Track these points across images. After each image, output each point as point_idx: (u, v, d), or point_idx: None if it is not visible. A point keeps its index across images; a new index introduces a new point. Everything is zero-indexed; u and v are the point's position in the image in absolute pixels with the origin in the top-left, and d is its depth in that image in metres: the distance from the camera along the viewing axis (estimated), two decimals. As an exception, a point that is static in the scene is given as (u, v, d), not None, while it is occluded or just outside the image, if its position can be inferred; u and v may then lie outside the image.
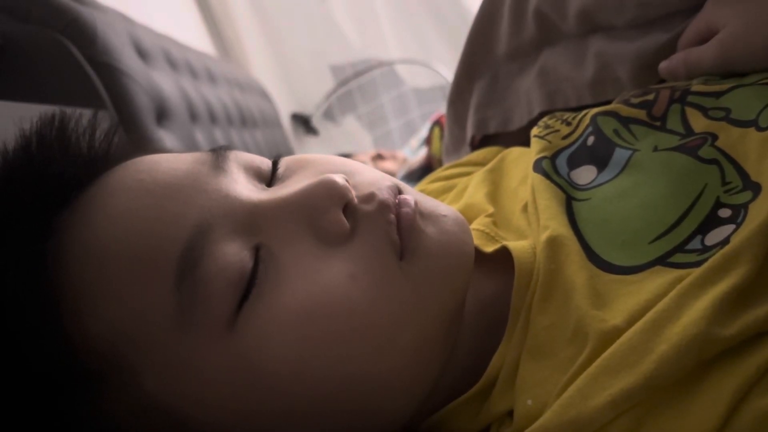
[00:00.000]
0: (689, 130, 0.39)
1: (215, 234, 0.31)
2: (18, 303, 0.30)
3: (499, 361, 0.35)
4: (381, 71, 2.40)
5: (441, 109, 1.71)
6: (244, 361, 0.30)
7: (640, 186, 0.38)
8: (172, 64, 1.15)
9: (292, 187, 0.33)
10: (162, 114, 0.98)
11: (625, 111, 0.43)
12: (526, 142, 0.49)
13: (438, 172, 0.60)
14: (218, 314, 0.30)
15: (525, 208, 0.42)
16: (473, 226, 0.42)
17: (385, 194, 0.33)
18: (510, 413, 0.34)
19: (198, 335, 0.30)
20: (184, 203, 0.31)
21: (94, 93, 0.81)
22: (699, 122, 0.39)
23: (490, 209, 0.45)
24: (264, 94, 1.92)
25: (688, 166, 0.37)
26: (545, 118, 0.49)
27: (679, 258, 0.33)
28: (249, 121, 1.58)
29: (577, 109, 0.49)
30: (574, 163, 0.43)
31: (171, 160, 0.34)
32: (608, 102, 0.48)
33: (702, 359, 0.28)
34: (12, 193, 0.32)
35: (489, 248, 0.39)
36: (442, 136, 0.94)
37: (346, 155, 0.91)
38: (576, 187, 0.41)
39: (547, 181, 0.41)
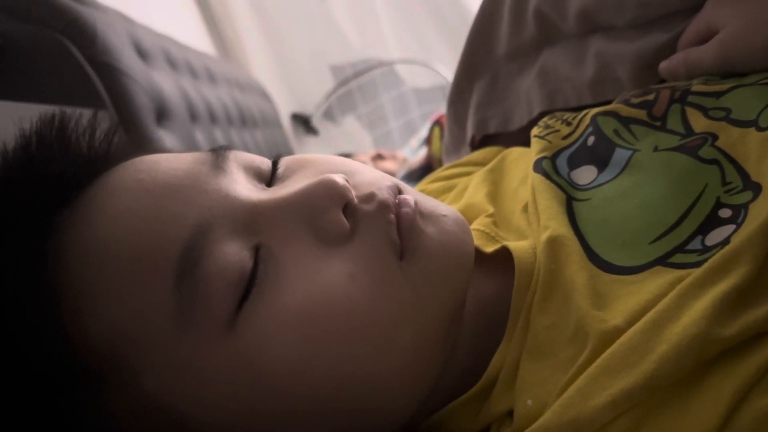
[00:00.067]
0: (689, 130, 0.39)
1: (215, 234, 0.31)
2: (18, 303, 0.30)
3: (500, 361, 0.35)
4: (381, 71, 2.40)
5: (441, 109, 1.71)
6: (243, 361, 0.30)
7: (641, 186, 0.38)
8: (172, 64, 1.15)
9: (292, 187, 0.33)
10: (162, 114, 0.98)
11: (626, 111, 0.43)
12: (526, 142, 0.49)
13: (438, 172, 0.60)
14: (218, 314, 0.30)
15: (525, 208, 0.42)
16: (473, 226, 0.42)
17: (385, 194, 0.33)
18: (510, 413, 0.34)
19: (198, 335, 0.30)
20: (184, 203, 0.31)
21: (94, 93, 0.81)
22: (699, 122, 0.39)
23: (491, 209, 0.45)
24: (264, 94, 1.92)
25: (688, 167, 0.37)
26: (545, 118, 0.49)
27: (679, 258, 0.33)
28: (249, 121, 1.58)
29: (577, 109, 0.49)
30: (574, 163, 0.43)
31: (171, 160, 0.34)
32: (608, 102, 0.48)
33: (702, 359, 0.28)
34: (12, 193, 0.32)
35: (489, 248, 0.39)
36: (442, 136, 0.94)
37: (346, 155, 0.91)
38: (576, 187, 0.41)
39: (548, 181, 0.41)
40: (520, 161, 0.49)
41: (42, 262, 0.30)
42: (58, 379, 0.30)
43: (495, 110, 0.63)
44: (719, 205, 0.34)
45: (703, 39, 0.44)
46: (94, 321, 0.30)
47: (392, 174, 1.09)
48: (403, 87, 2.45)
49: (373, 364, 0.31)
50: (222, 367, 0.30)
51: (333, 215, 0.32)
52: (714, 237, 0.33)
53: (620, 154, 0.41)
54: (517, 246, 0.38)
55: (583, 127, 0.44)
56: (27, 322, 0.30)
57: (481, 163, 0.57)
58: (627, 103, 0.44)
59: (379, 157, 1.88)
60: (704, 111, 0.39)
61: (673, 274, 0.32)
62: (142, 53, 1.00)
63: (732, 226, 0.33)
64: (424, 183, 0.60)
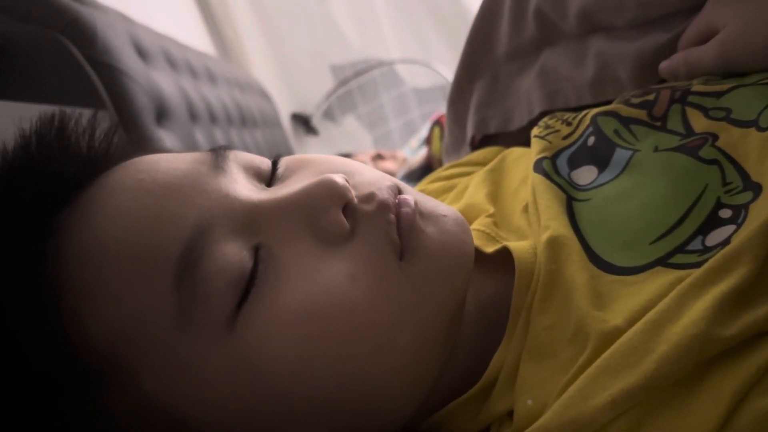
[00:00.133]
0: (690, 131, 0.39)
1: (215, 234, 0.31)
2: (18, 303, 0.30)
3: (500, 362, 0.35)
4: (381, 71, 2.39)
5: (441, 109, 1.71)
6: (243, 361, 0.30)
7: (641, 186, 0.38)
8: (172, 64, 1.15)
9: (291, 187, 0.33)
10: (162, 114, 0.98)
11: (626, 111, 0.43)
12: (526, 142, 0.49)
13: (438, 172, 0.60)
14: (218, 314, 0.30)
15: (525, 208, 0.42)
16: (474, 226, 0.42)
17: (385, 194, 0.33)
18: (510, 413, 0.34)
19: (198, 335, 0.30)
20: (183, 203, 0.31)
21: (94, 93, 0.81)
22: (699, 122, 0.39)
23: (491, 209, 0.45)
24: (264, 94, 1.92)
25: (688, 167, 0.37)
26: (545, 119, 0.49)
27: (679, 259, 0.33)
28: (249, 121, 1.58)
29: (578, 109, 0.49)
30: (574, 163, 0.43)
31: (171, 160, 0.34)
32: (608, 102, 0.48)
33: (702, 359, 0.28)
34: (12, 193, 0.32)
35: (489, 248, 0.39)
36: (442, 136, 0.94)
37: (346, 155, 0.91)
38: (576, 187, 0.41)
39: (548, 182, 0.41)
40: (521, 161, 0.49)
41: (42, 262, 0.30)
42: (58, 379, 0.30)
43: (495, 110, 0.63)
44: (719, 205, 0.34)
45: (704, 39, 0.44)
46: (94, 321, 0.30)
47: (392, 174, 1.09)
48: (403, 87, 2.45)
49: (373, 364, 0.31)
50: (222, 367, 0.30)
51: (333, 215, 0.32)
52: (714, 237, 0.33)
53: (620, 155, 0.41)
54: (518, 246, 0.37)
55: (584, 128, 0.44)
56: (27, 322, 0.30)
57: (481, 163, 0.57)
58: (627, 103, 0.44)
59: (379, 157, 1.88)
60: (704, 111, 0.39)
61: (674, 274, 0.32)
62: (142, 53, 1.00)
63: (732, 227, 0.33)
64: (424, 183, 0.60)
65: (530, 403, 0.32)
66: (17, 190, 0.32)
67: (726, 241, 0.32)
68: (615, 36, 0.53)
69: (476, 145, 0.66)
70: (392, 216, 0.32)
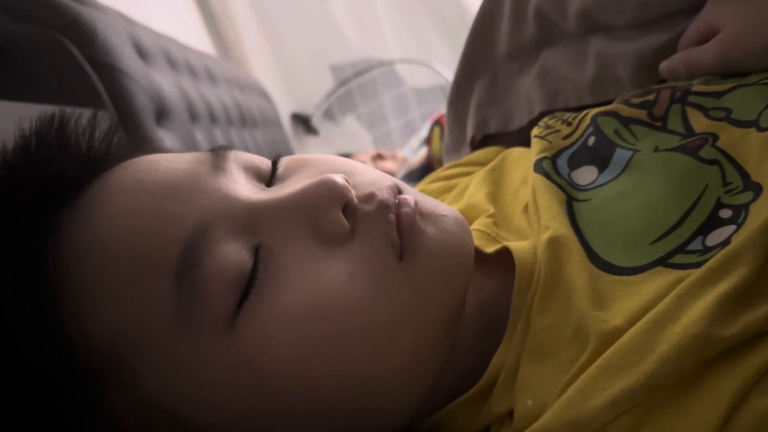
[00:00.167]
0: (690, 131, 0.39)
1: (215, 234, 0.31)
2: (18, 303, 0.30)
3: (500, 362, 0.35)
4: (381, 71, 2.39)
5: (441, 109, 1.71)
6: (243, 361, 0.30)
7: (641, 187, 0.38)
8: (172, 64, 1.15)
9: (291, 187, 0.33)
10: (162, 114, 0.98)
11: (626, 111, 0.43)
12: (526, 142, 0.49)
13: (438, 172, 0.60)
14: (218, 314, 0.30)
15: (526, 208, 0.42)
16: (474, 226, 0.42)
17: (384, 194, 0.33)
18: (510, 413, 0.34)
19: (198, 335, 0.30)
20: (183, 203, 0.31)
21: (94, 93, 0.81)
22: (700, 122, 0.39)
23: (491, 209, 0.45)
24: (264, 94, 1.92)
25: (688, 167, 0.37)
26: (546, 119, 0.49)
27: (680, 259, 0.33)
28: (249, 121, 1.58)
29: (578, 109, 0.49)
30: (574, 163, 0.43)
31: (170, 160, 0.34)
32: (609, 102, 0.48)
33: (702, 359, 0.28)
34: (12, 193, 0.32)
35: (490, 249, 0.39)
36: (442, 136, 0.94)
37: (346, 155, 0.91)
38: (577, 187, 0.41)
39: (548, 182, 0.40)
40: (521, 162, 0.49)
41: (42, 262, 0.30)
42: (58, 379, 0.30)
43: (495, 110, 0.63)
44: (720, 205, 0.34)
45: (704, 39, 0.44)
46: (94, 321, 0.30)
47: (392, 174, 1.09)
48: (403, 87, 2.45)
49: (373, 364, 0.31)
50: (222, 367, 0.30)
51: (333, 215, 0.32)
52: (715, 237, 0.33)
53: (621, 155, 0.41)
54: (518, 246, 0.37)
55: (584, 128, 0.44)
56: (27, 322, 0.30)
57: (481, 163, 0.57)
58: (627, 103, 0.44)
59: (379, 157, 1.88)
60: (705, 111, 0.39)
61: (674, 274, 0.32)
62: (142, 53, 1.00)
63: (733, 227, 0.33)
64: (425, 183, 0.60)
65: (530, 403, 0.32)
66: (17, 190, 0.32)
67: (726, 241, 0.32)
68: (615, 36, 0.53)
69: (476, 145, 0.66)
70: (392, 216, 0.32)
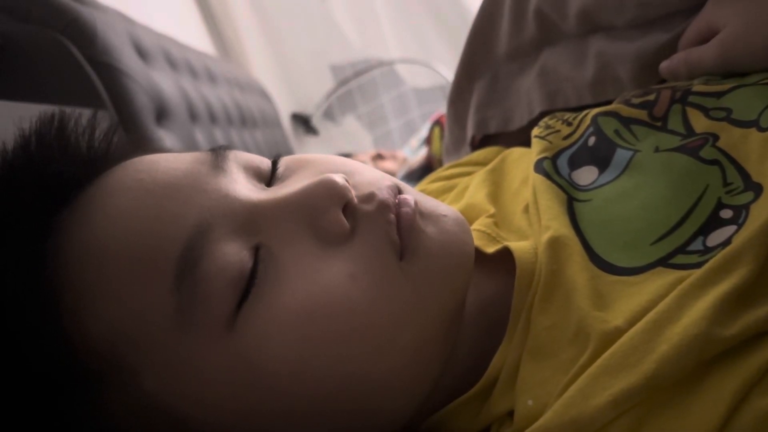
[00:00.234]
0: (690, 131, 0.39)
1: (215, 234, 0.31)
2: (18, 303, 0.30)
3: (500, 362, 0.35)
4: (381, 71, 2.39)
5: (441, 109, 1.71)
6: (243, 360, 0.30)
7: (642, 187, 0.38)
8: (172, 64, 1.15)
9: (291, 186, 0.33)
10: (162, 114, 0.98)
11: (626, 111, 0.43)
12: (526, 142, 0.49)
13: (438, 172, 0.60)
14: (218, 314, 0.30)
15: (526, 208, 0.42)
16: (474, 226, 0.42)
17: (384, 194, 0.33)
18: (510, 413, 0.34)
19: (198, 335, 0.30)
20: (183, 203, 0.31)
21: (94, 93, 0.81)
22: (700, 122, 0.39)
23: (491, 210, 0.44)
24: (264, 94, 1.92)
25: (689, 167, 0.37)
26: (546, 119, 0.49)
27: (680, 259, 0.33)
28: (249, 121, 1.58)
29: (578, 109, 0.49)
30: (575, 163, 0.43)
31: (170, 160, 0.34)
32: (609, 102, 0.48)
33: (703, 359, 0.28)
34: (11, 193, 0.32)
35: (490, 249, 0.39)
36: (442, 136, 0.94)
37: (346, 155, 0.91)
38: (577, 187, 0.41)
39: (549, 182, 0.40)
40: (521, 162, 0.49)
41: (42, 262, 0.30)
42: (58, 379, 0.30)
43: (495, 110, 0.63)
44: (720, 205, 0.34)
45: (704, 39, 0.44)
46: (94, 321, 0.30)
47: (392, 174, 1.09)
48: (403, 87, 2.45)
49: (373, 364, 0.31)
50: (222, 367, 0.30)
51: (333, 215, 0.32)
52: (715, 238, 0.33)
53: (621, 155, 0.41)
54: (519, 246, 0.37)
55: (584, 128, 0.44)
56: (27, 322, 0.30)
57: (481, 163, 0.57)
58: (628, 103, 0.44)
59: (379, 157, 1.88)
60: (705, 111, 0.39)
61: (675, 275, 0.32)
62: (142, 53, 1.00)
63: (733, 227, 0.33)
64: (425, 183, 0.60)
65: (531, 403, 0.32)
66: (17, 190, 0.32)
67: (727, 242, 0.32)
68: (615, 36, 0.53)
69: (476, 145, 0.66)
70: (392, 216, 0.32)
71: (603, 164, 0.41)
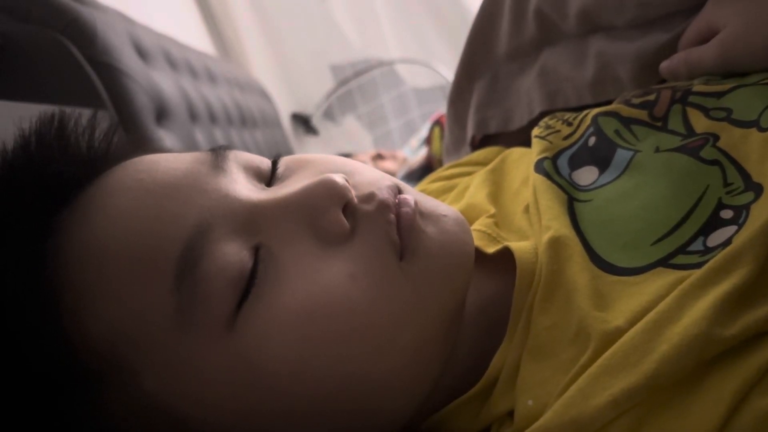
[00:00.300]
0: (690, 131, 0.39)
1: (215, 234, 0.31)
2: (18, 303, 0.30)
3: (500, 362, 0.35)
4: (381, 71, 2.39)
5: (441, 109, 1.71)
6: (243, 360, 0.30)
7: (642, 187, 0.38)
8: (172, 64, 1.15)
9: (291, 186, 0.33)
10: (162, 114, 0.98)
11: (626, 111, 0.43)
12: (526, 142, 0.49)
13: (439, 172, 0.60)
14: (218, 314, 0.30)
15: (527, 209, 0.42)
16: (475, 226, 0.42)
17: (384, 194, 0.33)
18: (511, 413, 0.33)
19: (198, 335, 0.30)
20: (183, 203, 0.31)
21: (94, 93, 0.81)
22: (700, 122, 0.39)
23: (492, 210, 0.44)
24: (264, 94, 1.92)
25: (689, 167, 0.37)
26: (546, 119, 0.49)
27: (681, 259, 0.33)
28: (249, 121, 1.58)
29: (578, 109, 0.49)
30: (575, 163, 0.43)
31: (170, 160, 0.34)
32: (609, 102, 0.48)
33: (703, 359, 0.28)
34: (12, 193, 0.32)
35: (491, 249, 0.39)
36: (442, 136, 0.94)
37: (346, 155, 0.91)
38: (577, 187, 0.41)
39: (549, 182, 0.40)
40: (521, 162, 0.49)
41: (42, 262, 0.30)
42: (58, 379, 0.30)
43: (495, 110, 0.63)
44: (721, 206, 0.34)
45: (704, 39, 0.44)
46: (94, 321, 0.30)
47: (392, 174, 1.09)
48: (403, 87, 2.45)
49: (373, 364, 0.31)
50: (222, 367, 0.30)
51: (333, 215, 0.32)
52: (716, 238, 0.33)
53: (621, 155, 0.41)
54: (519, 246, 0.37)
55: (584, 128, 0.44)
56: (27, 322, 0.30)
57: (481, 163, 0.57)
58: (628, 103, 0.44)
59: (379, 157, 1.88)
60: (705, 111, 0.39)
61: (675, 275, 0.32)
62: (142, 53, 1.00)
63: (734, 227, 0.33)
64: (425, 183, 0.60)
65: (531, 403, 0.32)
66: (17, 190, 0.32)
67: (727, 242, 0.32)
68: (615, 36, 0.53)
69: (476, 145, 0.66)
70: (392, 216, 0.32)
71: (603, 164, 0.41)
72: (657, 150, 0.39)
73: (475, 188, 0.49)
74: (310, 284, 0.30)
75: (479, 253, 0.38)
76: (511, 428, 0.33)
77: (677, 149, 0.38)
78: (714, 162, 0.36)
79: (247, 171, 0.35)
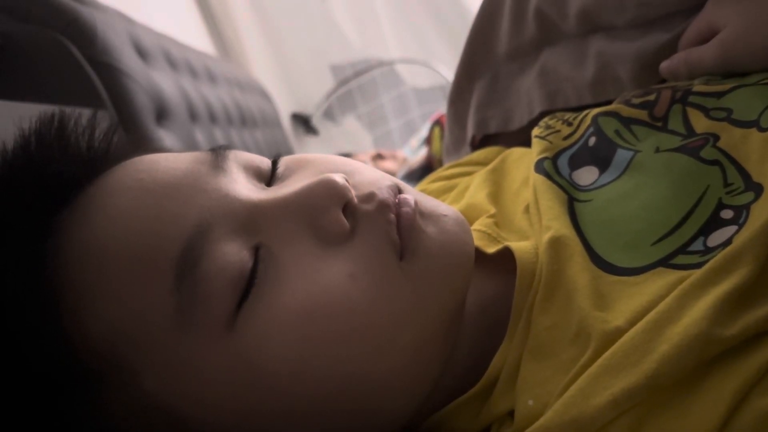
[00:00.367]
0: (691, 131, 0.39)
1: (215, 234, 0.31)
2: (18, 303, 0.30)
3: (500, 361, 0.35)
4: (381, 71, 2.40)
5: (441, 109, 1.71)
6: (243, 360, 0.30)
7: (642, 187, 0.38)
8: (172, 63, 1.15)
9: (291, 186, 0.33)
10: (162, 114, 0.98)
11: (627, 111, 0.43)
12: (526, 142, 0.49)
13: (439, 172, 0.60)
14: (218, 314, 0.30)
15: (527, 209, 0.42)
16: (475, 226, 0.42)
17: (384, 194, 0.33)
18: (511, 413, 0.33)
19: (198, 335, 0.30)
20: (183, 203, 0.31)
21: (94, 93, 0.81)
22: (700, 123, 0.39)
23: (492, 210, 0.44)
24: (264, 94, 1.92)
25: (689, 167, 0.37)
26: (546, 119, 0.49)
27: (681, 259, 0.33)
28: (249, 121, 1.58)
29: (578, 109, 0.49)
30: (575, 163, 0.43)
31: (170, 160, 0.34)
32: (609, 102, 0.48)
33: (703, 359, 0.28)
34: (12, 193, 0.32)
35: (491, 249, 0.39)
36: (442, 136, 0.94)
37: (346, 155, 0.91)
38: (578, 188, 0.41)
39: (549, 182, 0.40)
40: (522, 162, 0.49)
41: (42, 262, 0.30)
42: (58, 379, 0.30)
43: (495, 110, 0.63)
44: (721, 206, 0.34)
45: (704, 39, 0.44)
46: (94, 321, 0.30)
47: (392, 174, 1.09)
48: (403, 87, 2.45)
49: (373, 364, 0.31)
50: (222, 367, 0.30)
51: (333, 215, 0.32)
52: (716, 238, 0.33)
53: (622, 155, 0.41)
54: (519, 246, 0.37)
55: (584, 128, 0.44)
56: (27, 322, 0.30)
57: (482, 163, 0.57)
58: (628, 103, 0.44)
59: (379, 157, 1.88)
60: (705, 111, 0.39)
61: (675, 275, 0.32)
62: (142, 53, 1.00)
63: (734, 227, 0.33)
64: (425, 183, 0.60)
65: (531, 403, 0.32)
66: (17, 190, 0.32)
67: (727, 242, 0.32)
68: (615, 36, 0.53)
69: (476, 145, 0.66)
70: (392, 216, 0.32)
71: (603, 164, 0.41)
72: (657, 150, 0.39)
73: (475, 188, 0.49)
74: (310, 284, 0.30)
75: (479, 253, 0.38)
76: (511, 428, 0.33)
77: (677, 149, 0.38)
78: (714, 162, 0.36)
79: (247, 171, 0.35)
